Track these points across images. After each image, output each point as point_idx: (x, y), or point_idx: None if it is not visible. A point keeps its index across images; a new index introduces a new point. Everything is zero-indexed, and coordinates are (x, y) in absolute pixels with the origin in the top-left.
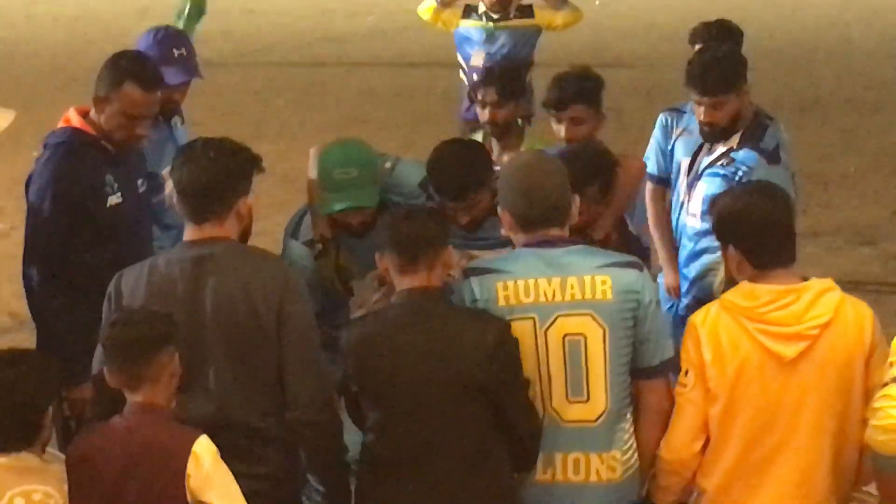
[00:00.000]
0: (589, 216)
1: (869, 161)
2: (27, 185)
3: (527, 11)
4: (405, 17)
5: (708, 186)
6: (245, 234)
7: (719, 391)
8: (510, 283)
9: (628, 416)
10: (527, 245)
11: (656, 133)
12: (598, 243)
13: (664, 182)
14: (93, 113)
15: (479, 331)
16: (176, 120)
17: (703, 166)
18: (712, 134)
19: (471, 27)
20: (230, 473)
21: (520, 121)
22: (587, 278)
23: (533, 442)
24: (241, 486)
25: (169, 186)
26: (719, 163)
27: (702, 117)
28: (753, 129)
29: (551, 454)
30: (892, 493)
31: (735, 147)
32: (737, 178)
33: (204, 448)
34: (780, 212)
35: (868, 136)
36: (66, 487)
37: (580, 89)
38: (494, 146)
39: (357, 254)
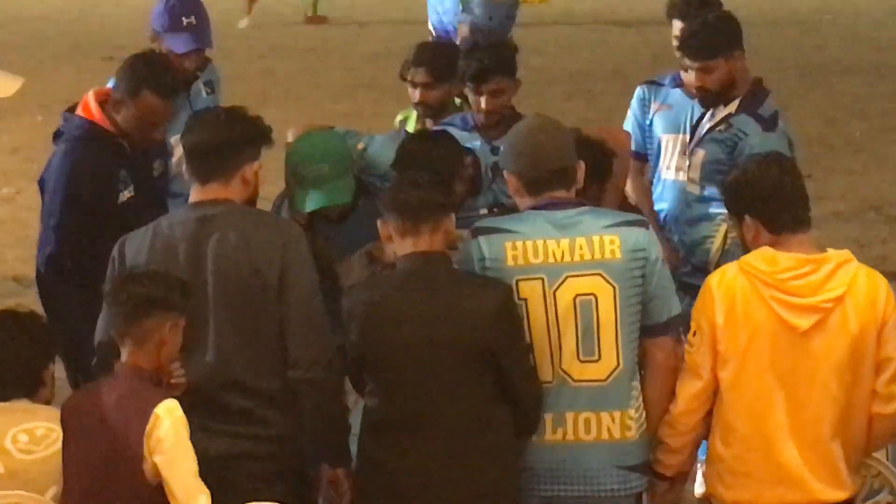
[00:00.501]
0: (594, 201)
1: (875, 125)
2: (42, 180)
3: None
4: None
5: (706, 152)
6: (251, 201)
7: (729, 355)
8: (519, 244)
9: (637, 376)
10: (534, 208)
11: (633, 107)
12: None
13: (642, 158)
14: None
15: (481, 295)
16: (199, 87)
17: (703, 131)
18: (706, 99)
19: None
20: (188, 444)
21: (457, 100)
22: (595, 238)
23: (534, 406)
24: (244, 449)
25: (177, 154)
26: (718, 128)
27: (694, 82)
28: (753, 95)
29: (562, 414)
30: None
31: (734, 112)
32: (734, 144)
33: (166, 411)
34: (789, 177)
35: (874, 100)
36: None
37: (500, 60)
38: (429, 126)
39: (336, 239)
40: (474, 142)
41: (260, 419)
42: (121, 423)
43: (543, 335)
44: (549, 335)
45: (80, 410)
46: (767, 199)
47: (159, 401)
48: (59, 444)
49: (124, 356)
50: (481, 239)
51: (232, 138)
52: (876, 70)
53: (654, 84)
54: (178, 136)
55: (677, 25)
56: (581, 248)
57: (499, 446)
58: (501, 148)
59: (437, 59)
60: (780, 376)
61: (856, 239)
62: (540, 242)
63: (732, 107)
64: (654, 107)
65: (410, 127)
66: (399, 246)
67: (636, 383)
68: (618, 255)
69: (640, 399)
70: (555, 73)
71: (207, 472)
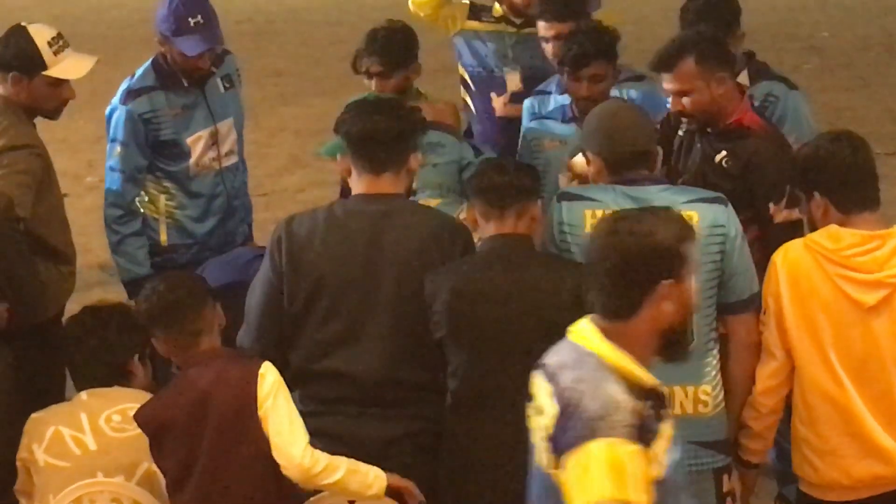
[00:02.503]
0: None
1: None
2: None
3: None
4: None
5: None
6: (408, 190)
7: (797, 333)
8: (598, 212)
9: (714, 351)
10: (620, 182)
11: (524, 120)
12: None
13: None
14: None
15: (559, 274)
16: (216, 82)
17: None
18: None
19: (482, 32)
20: (288, 394)
21: (417, 87)
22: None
23: None
24: (398, 431)
25: (195, 154)
26: None
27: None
28: (757, 66)
29: None
30: None
31: (748, 85)
32: (767, 114)
33: (267, 369)
34: (861, 156)
35: None
36: None
37: (598, 45)
38: None
39: None
40: (571, 133)
41: (414, 401)
42: (230, 398)
43: None
44: None
45: (161, 416)
46: (839, 177)
47: (256, 364)
48: None
49: (204, 345)
50: (563, 204)
51: (404, 128)
52: None
53: (541, 94)
54: (195, 136)
55: None
56: None
57: None
58: (583, 130)
59: (390, 47)
60: (848, 353)
61: None
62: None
63: (742, 80)
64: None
65: None
66: (483, 229)
67: (711, 360)
68: (697, 230)
69: (718, 377)
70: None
71: (364, 456)
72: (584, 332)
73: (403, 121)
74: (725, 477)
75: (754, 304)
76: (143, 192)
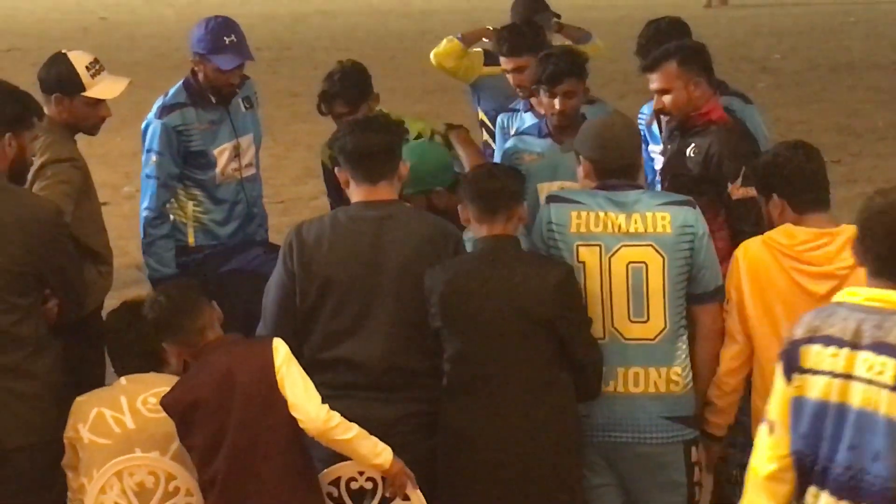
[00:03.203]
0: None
1: (895, 115)
2: None
3: None
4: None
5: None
6: (399, 195)
7: (756, 320)
8: (583, 213)
9: (684, 337)
10: (603, 188)
11: (497, 137)
12: None
13: None
14: None
15: (545, 272)
16: (238, 102)
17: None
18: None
19: (498, 73)
20: (297, 366)
21: (382, 108)
22: (649, 214)
23: (595, 373)
24: (402, 412)
25: (220, 164)
26: None
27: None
28: (716, 83)
29: (613, 368)
30: None
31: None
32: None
33: (278, 342)
34: (814, 163)
35: (894, 93)
36: None
37: (572, 64)
38: None
39: None
40: (546, 146)
41: (412, 387)
42: (253, 369)
43: (597, 296)
44: (603, 297)
45: (187, 397)
46: (794, 181)
47: (268, 340)
48: None
49: (210, 337)
50: (552, 206)
51: (394, 141)
52: (894, 66)
53: (511, 111)
54: (220, 148)
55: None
56: (636, 222)
57: (561, 406)
58: (579, 134)
59: (349, 86)
60: None
61: None
62: (602, 214)
63: None
64: (511, 133)
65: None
66: (476, 230)
67: (681, 344)
68: (668, 229)
69: (687, 359)
70: (610, 74)
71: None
72: (878, 295)
73: (393, 135)
74: (694, 448)
75: (718, 295)
76: (172, 200)
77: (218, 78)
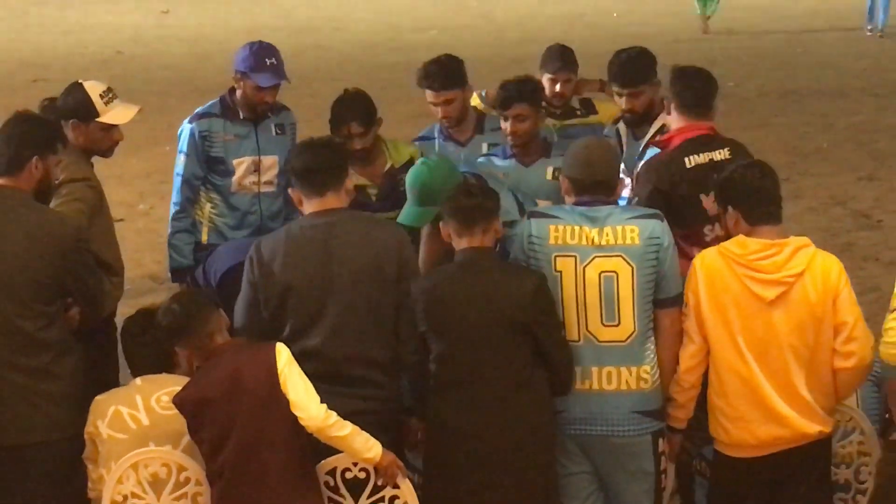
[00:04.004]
0: None
1: (839, 138)
2: None
3: (589, 106)
4: (461, 30)
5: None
6: (350, 204)
7: (712, 322)
8: (560, 227)
9: (652, 338)
10: (576, 204)
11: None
12: None
13: None
14: None
15: (520, 280)
16: (269, 125)
17: (640, 148)
18: (633, 120)
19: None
20: (298, 370)
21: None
22: (619, 227)
23: (567, 371)
24: (361, 406)
25: (238, 173)
26: (657, 137)
27: (623, 105)
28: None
29: (588, 368)
30: None
31: (666, 124)
32: None
33: (280, 347)
34: (768, 181)
35: (837, 117)
36: None
37: (521, 90)
38: (355, 169)
39: None
40: (509, 166)
41: (376, 384)
42: (259, 371)
43: (573, 303)
44: (578, 303)
45: (198, 397)
46: (747, 196)
47: (272, 344)
48: None
49: (219, 341)
50: (532, 220)
51: (335, 157)
52: (839, 92)
53: (424, 139)
54: (239, 160)
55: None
56: (608, 235)
57: (537, 401)
58: (565, 153)
59: (362, 112)
60: (752, 338)
61: (826, 229)
62: (577, 228)
63: (662, 119)
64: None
65: None
66: (456, 243)
67: (650, 345)
68: (637, 241)
69: (654, 358)
70: None
71: None
72: None
73: (335, 152)
74: (661, 439)
75: (678, 301)
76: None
77: (255, 95)
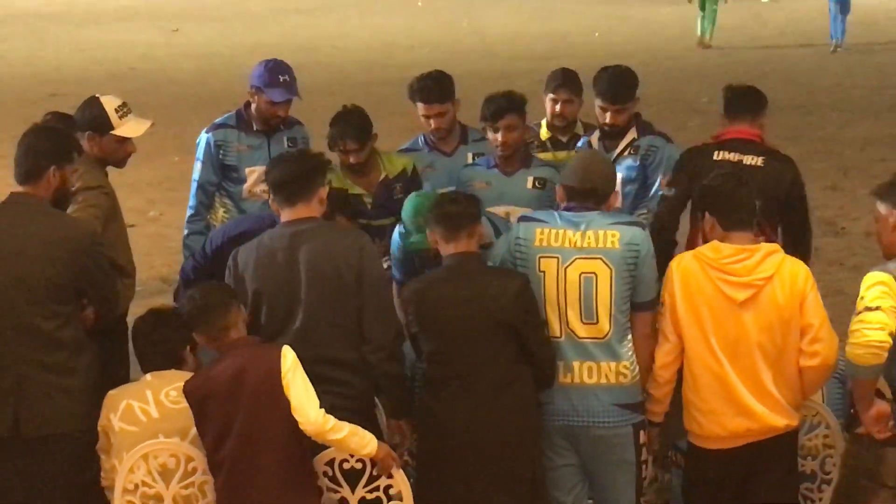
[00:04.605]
0: None
1: (806, 149)
2: None
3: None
4: (453, 49)
5: (623, 174)
6: (326, 216)
7: (686, 321)
8: (546, 230)
9: (629, 336)
10: (566, 209)
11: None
12: None
13: None
14: None
15: (504, 283)
16: (282, 137)
17: (612, 160)
18: (611, 133)
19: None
20: (303, 371)
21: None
22: (601, 232)
23: (550, 367)
24: (332, 402)
25: (250, 181)
26: (626, 153)
27: (607, 120)
28: (643, 124)
29: (570, 362)
30: (865, 393)
31: (636, 138)
32: (649, 161)
33: (287, 349)
34: (742, 190)
35: (805, 130)
36: None
37: (511, 102)
38: (352, 180)
39: None
40: (493, 176)
41: (344, 382)
42: (262, 371)
43: (555, 301)
44: (559, 301)
45: (205, 388)
46: (723, 203)
47: (278, 347)
48: None
49: (234, 335)
50: (521, 224)
51: (306, 170)
52: (805, 107)
53: (408, 150)
54: (251, 169)
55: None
56: (589, 239)
57: (522, 396)
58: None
59: (357, 129)
60: (724, 337)
61: None
62: (561, 231)
63: (631, 135)
64: (475, 184)
65: (336, 184)
66: (443, 248)
67: (627, 343)
68: (616, 245)
69: (633, 355)
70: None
71: None
72: None
73: (305, 164)
74: (641, 431)
75: (653, 306)
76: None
77: (268, 109)
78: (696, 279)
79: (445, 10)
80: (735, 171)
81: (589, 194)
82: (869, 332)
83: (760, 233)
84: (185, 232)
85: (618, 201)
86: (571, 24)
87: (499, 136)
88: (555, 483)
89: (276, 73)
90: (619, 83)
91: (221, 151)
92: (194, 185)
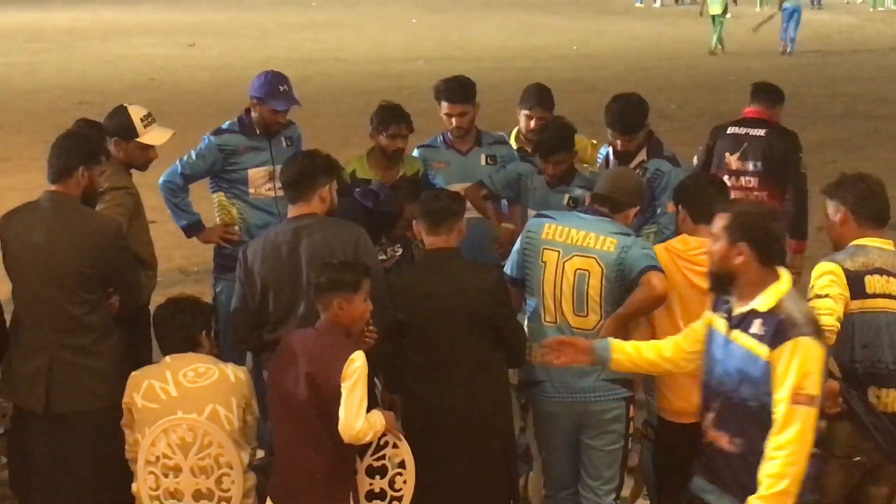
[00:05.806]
0: None
1: None
2: None
3: None
4: (444, 60)
5: None
6: (330, 212)
7: (658, 309)
8: (553, 226)
9: None
10: (583, 211)
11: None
12: None
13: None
14: None
15: (481, 276)
16: (281, 139)
17: None
18: (623, 157)
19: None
20: (364, 383)
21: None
22: (601, 237)
23: (520, 351)
24: None
25: (255, 182)
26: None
27: (619, 148)
28: (654, 146)
29: None
30: None
31: (645, 160)
32: (655, 184)
33: (358, 355)
34: (713, 188)
35: None
36: (220, 364)
37: (562, 139)
38: (377, 170)
39: None
40: (450, 156)
41: None
42: (325, 359)
43: (552, 290)
44: (555, 291)
45: (294, 344)
46: (693, 198)
47: (353, 350)
48: (215, 377)
49: (324, 316)
50: (533, 219)
51: (307, 171)
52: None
53: (427, 146)
54: (255, 169)
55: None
56: (589, 239)
57: (496, 379)
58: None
59: (407, 118)
60: (691, 321)
61: None
62: (567, 228)
63: (641, 156)
64: (434, 164)
65: (362, 174)
66: (426, 241)
67: None
68: (612, 249)
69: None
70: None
71: None
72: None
73: (307, 164)
74: (631, 406)
75: (647, 270)
76: (222, 203)
77: (270, 117)
78: (666, 269)
79: (437, 26)
80: (712, 176)
81: (606, 201)
82: (819, 318)
83: (769, 197)
84: (172, 199)
85: (633, 212)
86: (552, 38)
87: (549, 168)
88: (551, 462)
89: (276, 84)
90: (628, 114)
91: (225, 153)
92: (178, 168)
